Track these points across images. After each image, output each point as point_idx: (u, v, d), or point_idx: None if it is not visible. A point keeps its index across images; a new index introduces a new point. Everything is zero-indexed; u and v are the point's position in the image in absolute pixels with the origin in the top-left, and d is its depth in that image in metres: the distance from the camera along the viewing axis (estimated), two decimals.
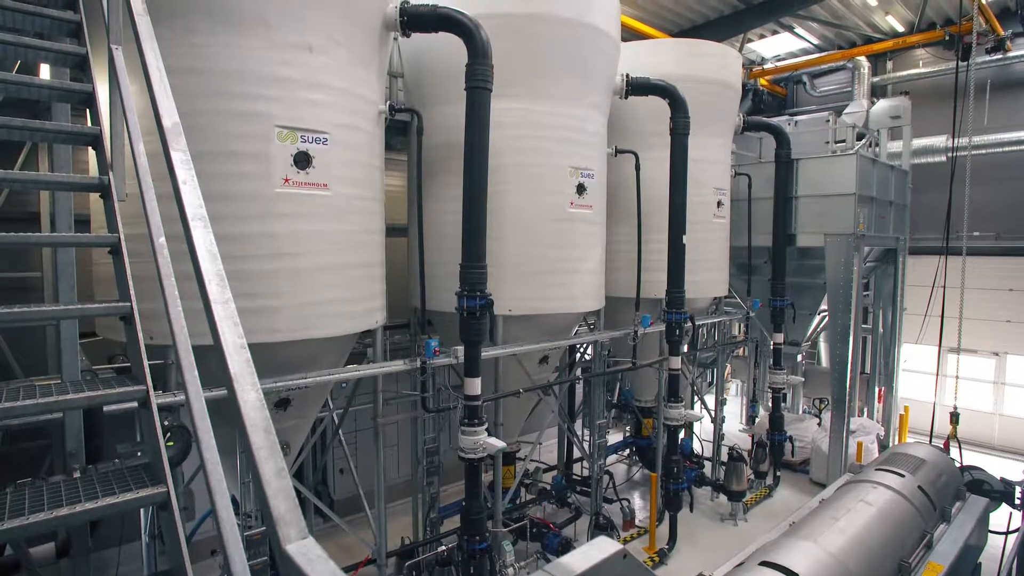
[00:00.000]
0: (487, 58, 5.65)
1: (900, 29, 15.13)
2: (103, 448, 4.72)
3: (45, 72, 5.41)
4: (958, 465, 7.77)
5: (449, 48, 5.91)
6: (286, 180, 4.90)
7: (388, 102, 6.04)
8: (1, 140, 3.12)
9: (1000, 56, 13.67)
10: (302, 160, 4.96)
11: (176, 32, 4.53)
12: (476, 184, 5.77)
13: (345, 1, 5.21)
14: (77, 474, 3.79)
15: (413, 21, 5.81)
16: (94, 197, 4.69)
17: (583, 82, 7.23)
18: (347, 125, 5.32)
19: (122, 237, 2.71)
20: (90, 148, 3.31)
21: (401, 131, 7.97)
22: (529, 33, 6.71)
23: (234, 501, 5.48)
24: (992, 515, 7.38)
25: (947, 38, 13.95)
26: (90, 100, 3.12)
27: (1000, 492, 7.49)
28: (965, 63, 11.11)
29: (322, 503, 6.85)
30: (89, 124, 3.28)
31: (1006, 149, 13.45)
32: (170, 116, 2.19)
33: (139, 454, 3.30)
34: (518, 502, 9.01)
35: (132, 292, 2.56)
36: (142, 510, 4.97)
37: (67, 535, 4.58)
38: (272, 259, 4.87)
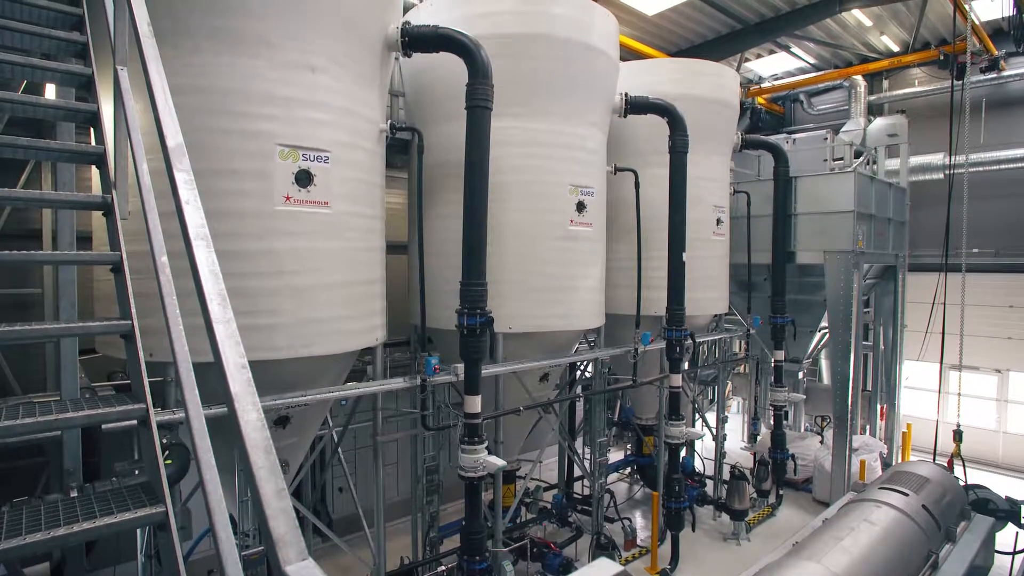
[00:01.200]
0: (487, 77, 5.72)
1: (895, 49, 15.33)
2: (101, 465, 4.70)
3: (50, 92, 5.48)
4: (962, 484, 7.71)
5: (450, 68, 5.99)
6: (287, 198, 4.93)
7: (389, 121, 6.09)
8: (5, 158, 3.14)
9: (994, 75, 13.83)
10: (303, 178, 4.99)
11: (181, 52, 4.59)
12: (476, 202, 5.80)
13: (347, 22, 5.29)
14: (74, 493, 3.77)
15: (414, 41, 5.88)
16: (96, 213, 4.72)
17: (583, 101, 7.31)
18: (348, 144, 5.37)
19: (124, 256, 2.72)
20: (93, 167, 3.34)
21: (402, 149, 8.04)
22: (529, 53, 6.79)
23: (231, 520, 5.43)
24: (998, 535, 7.30)
25: (942, 58, 14.12)
26: (95, 119, 3.15)
27: (1006, 511, 7.43)
28: (960, 82, 11.24)
29: (321, 522, 6.78)
30: (93, 143, 3.32)
31: (1003, 167, 13.54)
32: (174, 137, 2.21)
33: (136, 472, 3.28)
34: (518, 521, 8.92)
35: (133, 310, 2.57)
36: (139, 530, 4.92)
37: (62, 555, 4.54)
38: (273, 276, 4.88)
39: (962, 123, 10.09)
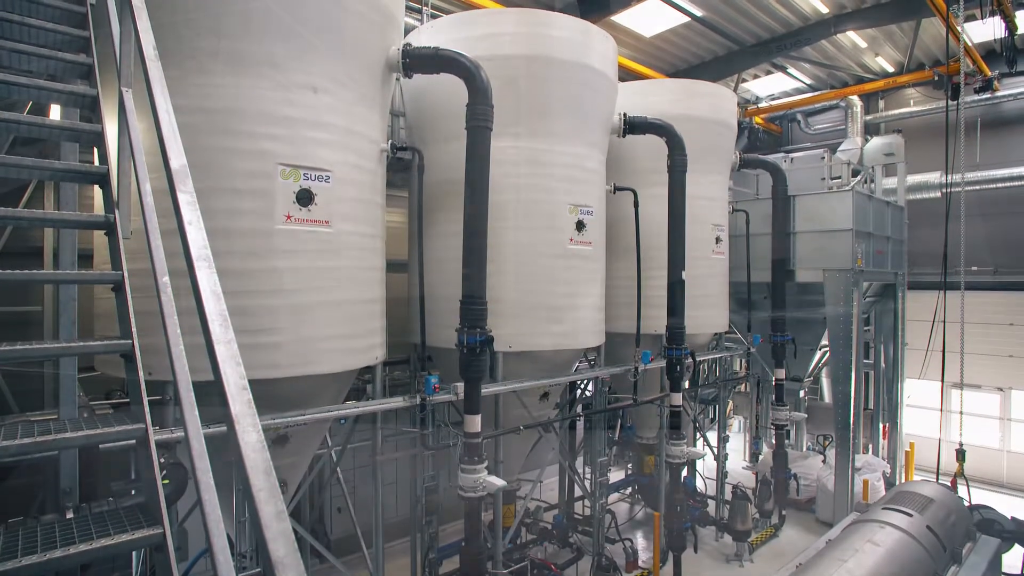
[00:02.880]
0: (487, 98, 5.78)
1: (890, 69, 15.51)
2: (97, 484, 4.64)
3: (55, 111, 5.53)
4: (967, 504, 7.63)
5: (450, 88, 6.05)
6: (288, 217, 4.95)
7: (390, 140, 6.14)
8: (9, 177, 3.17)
9: (989, 95, 13.97)
10: (304, 197, 5.02)
11: (185, 72, 4.64)
12: (476, 221, 5.83)
13: (349, 44, 5.36)
14: (70, 514, 3.72)
15: (415, 63, 5.95)
16: (97, 232, 4.73)
17: (582, 121, 7.38)
18: (349, 163, 5.41)
19: (125, 275, 2.73)
20: (96, 186, 3.36)
21: (402, 168, 8.09)
22: (529, 74, 6.88)
23: (228, 540, 5.37)
24: (1004, 556, 7.21)
25: (936, 78, 14.29)
26: (99, 140, 3.18)
27: (1012, 532, 7.33)
28: (955, 102, 11.35)
29: (319, 543, 6.70)
30: (96, 163, 3.34)
31: (999, 185, 13.63)
32: (178, 158, 2.23)
33: (134, 493, 3.25)
34: (519, 542, 8.81)
35: (134, 329, 2.57)
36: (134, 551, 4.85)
37: None
38: (273, 295, 4.89)
39: (958, 142, 10.17)
